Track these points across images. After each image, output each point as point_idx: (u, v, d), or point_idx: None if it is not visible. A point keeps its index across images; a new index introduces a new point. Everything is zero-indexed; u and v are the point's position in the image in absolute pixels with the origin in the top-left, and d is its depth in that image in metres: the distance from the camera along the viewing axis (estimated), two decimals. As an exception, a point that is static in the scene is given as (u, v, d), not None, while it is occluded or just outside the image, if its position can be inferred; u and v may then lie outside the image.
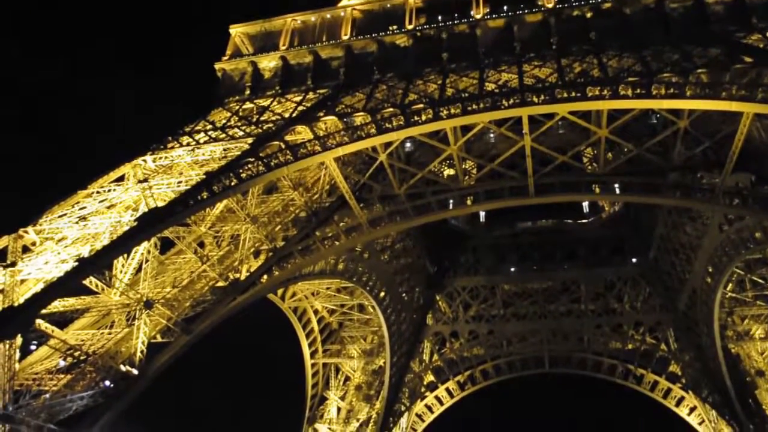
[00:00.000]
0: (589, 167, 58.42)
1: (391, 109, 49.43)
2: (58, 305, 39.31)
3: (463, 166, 57.75)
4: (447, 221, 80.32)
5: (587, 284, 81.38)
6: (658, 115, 56.54)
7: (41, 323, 37.23)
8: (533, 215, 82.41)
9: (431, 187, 55.26)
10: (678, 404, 78.54)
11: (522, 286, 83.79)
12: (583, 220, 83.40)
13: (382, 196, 55.51)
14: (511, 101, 46.92)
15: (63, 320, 41.51)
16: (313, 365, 78.64)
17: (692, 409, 77.27)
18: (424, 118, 47.81)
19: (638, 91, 44.68)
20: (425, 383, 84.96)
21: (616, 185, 53.23)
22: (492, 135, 63.47)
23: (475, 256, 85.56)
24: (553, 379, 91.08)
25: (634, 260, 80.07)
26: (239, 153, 47.75)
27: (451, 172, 61.74)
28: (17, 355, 36.11)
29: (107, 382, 40.64)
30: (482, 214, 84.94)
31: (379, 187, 55.66)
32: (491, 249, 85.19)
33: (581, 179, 53.70)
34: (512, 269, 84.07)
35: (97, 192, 45.88)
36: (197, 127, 53.62)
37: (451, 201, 56.16)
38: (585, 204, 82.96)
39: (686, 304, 70.66)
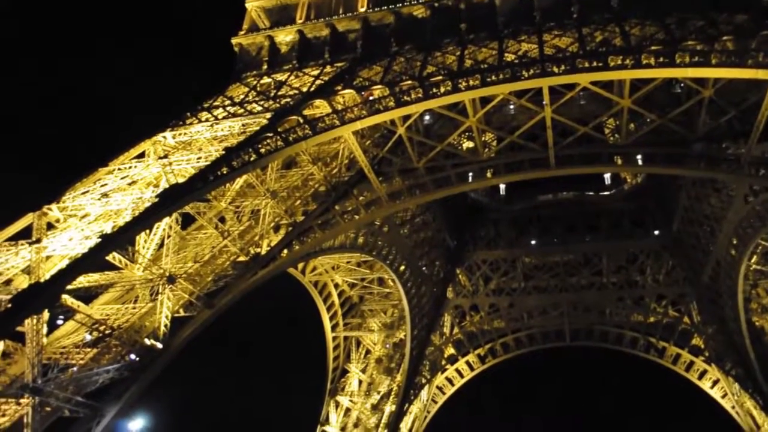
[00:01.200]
0: (611, 138, 57.50)
1: (410, 82, 49.00)
2: (83, 281, 39.89)
3: (483, 138, 57.24)
4: (467, 194, 79.98)
5: (609, 257, 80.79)
6: (682, 84, 55.46)
7: (67, 298, 37.88)
8: (554, 188, 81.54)
9: (450, 160, 54.90)
10: (701, 377, 78.24)
11: (543, 259, 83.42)
12: (605, 192, 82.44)
13: (401, 169, 55.31)
14: (531, 72, 46.23)
15: (88, 295, 42.20)
16: (334, 338, 79.35)
17: (715, 382, 76.95)
18: (442, 90, 47.33)
19: (662, 59, 43.77)
20: (446, 356, 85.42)
21: (639, 156, 52.52)
22: (512, 106, 62.73)
23: (496, 230, 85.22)
24: (574, 352, 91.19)
25: (656, 232, 79.21)
26: (258, 128, 47.77)
27: (471, 144, 61.24)
28: (45, 329, 36.77)
29: (132, 356, 41.38)
30: (502, 186, 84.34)
31: (398, 160, 55.44)
32: (511, 222, 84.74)
33: (603, 151, 53.01)
34: (533, 242, 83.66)
35: (118, 169, 46.26)
36: (215, 103, 53.67)
37: (470, 174, 55.86)
38: (607, 176, 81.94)
39: (710, 277, 69.86)
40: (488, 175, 56.69)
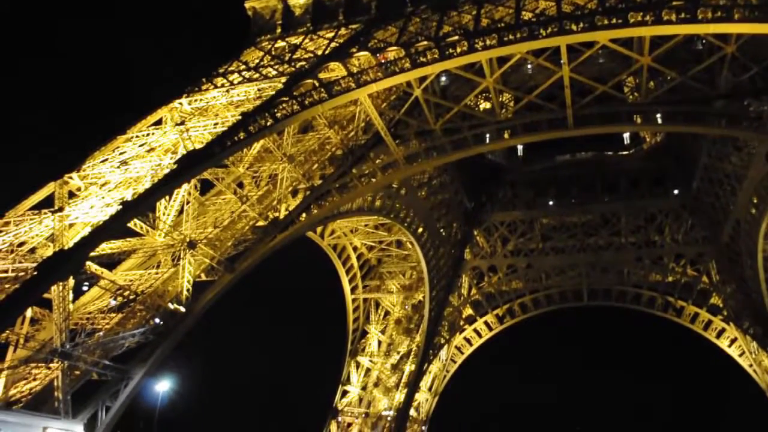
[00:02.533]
0: (631, 97, 56.77)
1: (425, 43, 48.39)
2: (105, 247, 40.56)
3: (500, 98, 56.68)
4: (484, 156, 79.24)
5: (627, 217, 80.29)
6: (703, 41, 54.13)
7: (91, 265, 38.61)
8: (572, 148, 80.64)
9: (467, 122, 54.46)
10: (718, 336, 78.29)
11: (561, 220, 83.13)
12: (624, 152, 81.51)
13: (418, 131, 55.04)
14: (549, 30, 45.37)
15: (111, 262, 42.95)
16: (353, 300, 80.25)
17: (733, 341, 77.00)
18: (459, 50, 46.70)
19: (683, 15, 42.69)
20: (464, 317, 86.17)
21: (659, 115, 51.68)
22: (529, 66, 61.69)
23: (513, 191, 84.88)
24: (591, 312, 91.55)
25: (676, 192, 78.45)
26: (273, 92, 47.69)
27: (488, 105, 60.71)
28: (70, 296, 37.63)
29: (157, 320, 42.34)
30: (520, 147, 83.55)
31: (415, 122, 55.13)
32: (529, 183, 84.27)
33: (622, 110, 52.32)
34: (551, 203, 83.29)
35: (136, 136, 46.57)
36: (230, 68, 53.52)
37: (487, 135, 55.39)
38: (626, 135, 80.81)
39: (729, 236, 69.35)
40: (505, 136, 56.18)
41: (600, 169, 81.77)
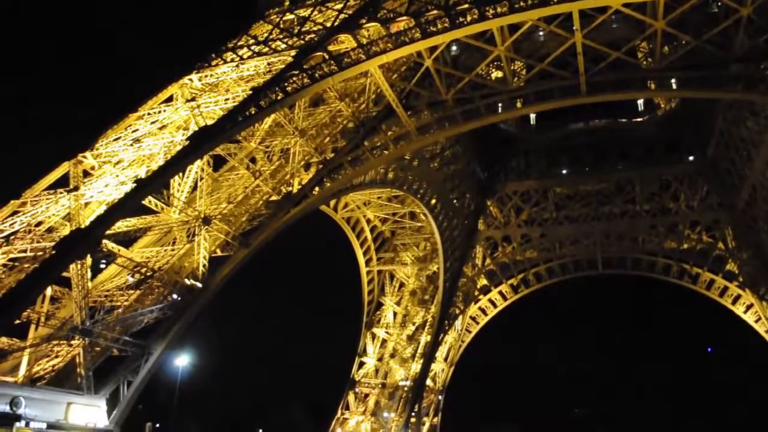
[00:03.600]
0: (644, 63, 55.69)
1: (435, 12, 47.71)
2: (121, 225, 40.88)
3: (512, 67, 56.14)
4: (496, 125, 78.62)
5: (642, 184, 79.68)
6: (719, 3, 53.03)
7: (107, 243, 38.95)
8: (586, 115, 79.66)
9: (479, 91, 53.93)
10: (734, 302, 78.01)
11: (574, 189, 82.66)
12: (638, 119, 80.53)
13: (430, 102, 54.65)
14: (561, -4, 44.59)
15: (127, 239, 43.35)
16: (368, 273, 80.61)
17: (749, 307, 76.69)
18: (469, 18, 46.03)
19: (698, -24, 41.82)
20: (478, 287, 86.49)
21: (673, 80, 50.93)
22: (541, 33, 60.85)
23: (526, 160, 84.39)
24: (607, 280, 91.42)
25: (691, 158, 77.64)
26: (283, 66, 47.39)
27: (500, 74, 60.14)
28: (89, 274, 38.10)
29: (174, 296, 42.80)
30: (532, 116, 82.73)
31: (426, 93, 54.71)
32: (542, 152, 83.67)
33: (636, 76, 51.58)
34: (564, 171, 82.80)
35: (148, 114, 46.60)
36: (240, 43, 53.18)
37: (500, 104, 54.86)
38: (640, 102, 79.69)
39: (745, 202, 68.69)
40: (518, 104, 55.75)
41: (614, 137, 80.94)
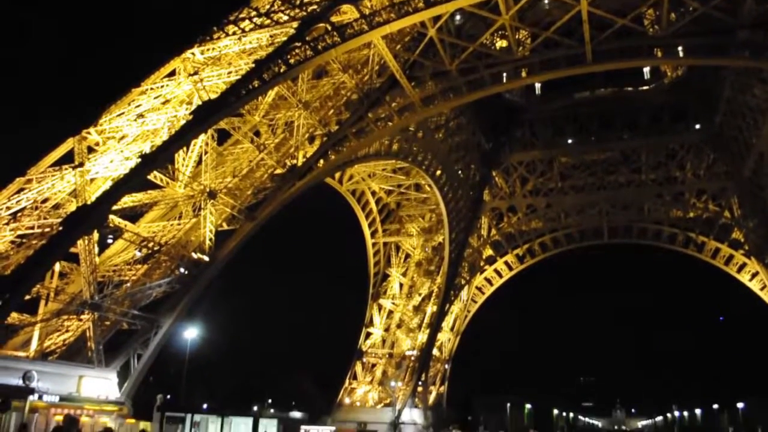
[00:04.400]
0: (651, 30, 55.02)
1: (439, -20, 47.08)
2: (127, 200, 41.02)
3: (517, 36, 55.29)
4: (501, 95, 78.12)
5: (648, 153, 79.36)
6: (727, -32, 52.16)
7: (114, 218, 39.16)
8: (591, 84, 79.02)
9: (484, 61, 53.52)
10: (740, 270, 78.14)
11: (580, 158, 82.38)
12: (645, 87, 79.80)
13: (434, 73, 54.26)
14: (566, -37, 43.96)
15: (134, 214, 43.53)
16: (374, 245, 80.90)
17: (754, 275, 76.84)
18: (473, -13, 45.46)
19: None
20: (484, 257, 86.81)
21: (680, 48, 50.39)
22: (546, 1, 59.97)
23: (532, 130, 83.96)
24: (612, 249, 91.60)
25: (697, 126, 77.08)
26: (286, 38, 46.98)
27: (504, 43, 59.36)
28: (96, 249, 38.41)
29: (181, 270, 43.10)
30: (538, 86, 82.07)
31: (430, 63, 54.27)
32: (548, 121, 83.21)
33: (642, 43, 51.02)
34: (570, 141, 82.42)
35: (151, 88, 46.40)
36: (241, 15, 52.59)
37: (504, 74, 54.46)
38: (646, 70, 78.90)
39: (752, 170, 68.34)
40: (523, 74, 55.23)
41: (620, 106, 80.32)
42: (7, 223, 38.88)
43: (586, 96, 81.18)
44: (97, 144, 42.88)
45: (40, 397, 32.98)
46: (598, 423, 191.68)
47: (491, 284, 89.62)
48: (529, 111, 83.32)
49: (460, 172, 77.58)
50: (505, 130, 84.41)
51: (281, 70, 44.85)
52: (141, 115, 43.77)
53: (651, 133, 78.41)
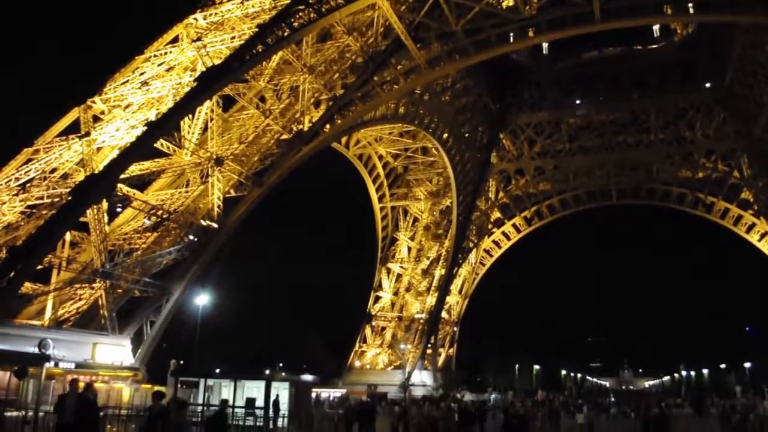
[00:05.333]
0: (661, -14, 53.89)
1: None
2: (134, 169, 41.06)
3: (523, -5, 54.37)
4: (508, 56, 77.14)
5: (657, 113, 78.54)
6: None
7: (122, 187, 39.28)
8: (599, 43, 77.81)
9: (490, 21, 52.63)
10: (748, 231, 77.85)
11: (588, 119, 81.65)
12: (654, 46, 78.52)
13: (440, 34, 53.47)
14: None
15: (141, 183, 43.60)
16: (381, 209, 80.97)
17: (763, 235, 76.62)
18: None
19: None
20: (492, 220, 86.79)
21: (690, 4, 49.36)
22: (554, -42, 58.79)
23: (539, 91, 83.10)
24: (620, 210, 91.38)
25: (708, 85, 76.02)
26: (289, 1, 46.28)
27: (511, 2, 58.20)
28: (106, 218, 38.62)
29: (191, 237, 43.35)
30: (545, 46, 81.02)
31: (436, 24, 53.42)
32: (555, 82, 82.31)
33: (651, 0, 49.97)
34: (578, 102, 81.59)
35: (154, 55, 45.98)
36: (243, -22, 51.77)
37: (511, 34, 53.66)
38: (655, 28, 77.65)
39: (762, 129, 67.45)
40: (530, 34, 54.37)
41: (628, 65, 79.28)
42: (17, 194, 39.10)
43: (595, 55, 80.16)
44: (102, 113, 42.75)
45: (56, 364, 33.51)
46: (606, 383, 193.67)
47: (499, 247, 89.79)
48: (537, 72, 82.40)
49: (467, 134, 77.10)
50: (512, 91, 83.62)
51: (285, 34, 44.30)
52: (145, 83, 43.49)
53: (660, 92, 77.50)
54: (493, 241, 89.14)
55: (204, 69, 42.61)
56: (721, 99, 74.82)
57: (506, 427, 19.38)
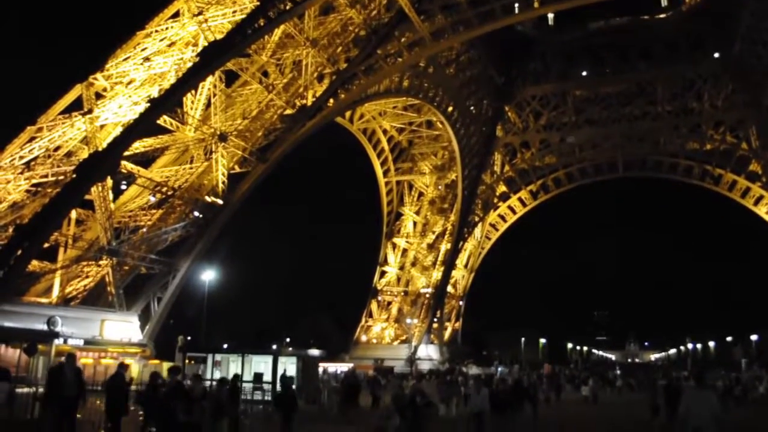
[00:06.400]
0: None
1: None
2: (138, 146, 40.95)
3: (529, -36, 53.49)
4: (513, 27, 75.90)
5: (664, 84, 77.41)
6: None
7: (126, 164, 39.20)
8: (606, 13, 76.55)
9: (495, -9, 51.84)
10: (756, 203, 77.19)
11: (595, 91, 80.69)
12: (662, 15, 77.29)
13: (443, 5, 52.73)
14: None
15: (146, 160, 43.51)
16: (386, 184, 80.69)
17: (771, 207, 76.05)
18: None
19: None
20: (498, 194, 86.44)
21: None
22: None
23: (545, 63, 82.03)
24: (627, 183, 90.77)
25: (716, 55, 74.77)
26: (291, -26, 45.65)
27: (516, -28, 57.47)
28: (110, 195, 38.60)
29: (196, 213, 43.37)
30: (550, 16, 79.87)
31: (440, -5, 52.71)
32: (561, 54, 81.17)
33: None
34: (584, 73, 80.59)
35: (155, 31, 45.52)
36: (245, -50, 51.05)
37: (516, 4, 52.88)
38: (663, -6, 76.40)
39: (772, 99, 66.64)
40: (535, 4, 53.54)
41: (636, 35, 77.96)
42: (21, 172, 39.06)
43: (601, 26, 78.89)
44: (104, 90, 42.51)
45: (65, 341, 33.76)
46: (612, 356, 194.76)
47: (505, 221, 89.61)
48: (542, 43, 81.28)
49: (472, 107, 76.48)
50: (518, 63, 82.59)
51: (287, 7, 43.82)
52: (147, 59, 43.15)
53: (668, 63, 76.30)
54: (499, 215, 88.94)
55: (206, 44, 42.22)
56: (729, 69, 73.67)
57: (493, 405, 19.32)
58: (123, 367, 15.36)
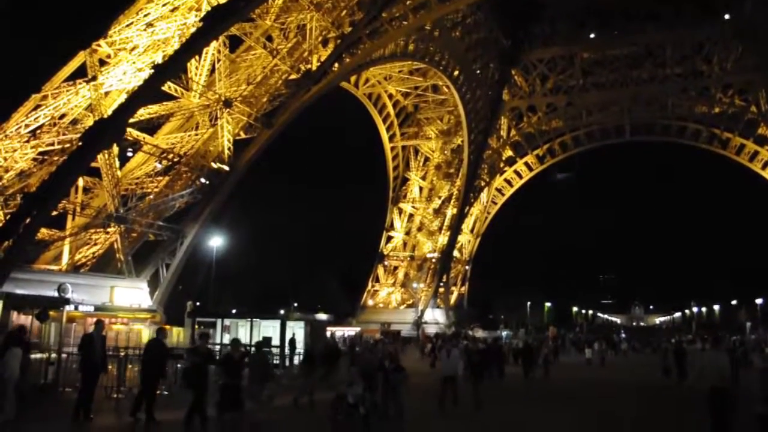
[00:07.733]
0: None
1: None
2: (143, 113, 40.84)
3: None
4: (520, -12, 74.96)
5: (673, 47, 76.32)
6: None
7: (132, 131, 39.17)
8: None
9: (502, -48, 50.98)
10: (764, 167, 76.69)
11: (602, 53, 79.61)
12: (671, -26, 75.75)
13: (450, -33, 51.94)
14: None
15: (151, 127, 43.44)
16: (392, 149, 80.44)
17: (779, 172, 75.57)
18: None
19: None
20: (504, 158, 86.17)
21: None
22: None
23: (551, 25, 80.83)
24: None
25: (726, 17, 73.39)
26: (294, -65, 44.94)
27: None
28: (117, 163, 38.68)
29: (202, 180, 43.48)
30: (558, -23, 78.42)
31: (446, -42, 51.89)
32: (568, 15, 79.84)
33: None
34: (591, 35, 79.37)
35: (158, -5, 44.96)
36: None
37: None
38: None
39: (783, 61, 65.58)
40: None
41: (645, -5, 76.62)
42: (27, 141, 39.08)
43: (610, -15, 77.46)
44: (108, 56, 42.15)
45: (76, 308, 34.17)
46: (617, 320, 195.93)
47: (511, 185, 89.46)
48: (549, 5, 79.90)
49: (478, 71, 75.73)
50: (524, 26, 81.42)
51: (291, -29, 43.17)
52: (150, 24, 42.65)
53: (677, 25, 74.95)
54: (505, 180, 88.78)
55: (209, 8, 41.71)
56: (740, 31, 72.42)
57: (469, 365, 19.72)
58: (162, 332, 15.89)
